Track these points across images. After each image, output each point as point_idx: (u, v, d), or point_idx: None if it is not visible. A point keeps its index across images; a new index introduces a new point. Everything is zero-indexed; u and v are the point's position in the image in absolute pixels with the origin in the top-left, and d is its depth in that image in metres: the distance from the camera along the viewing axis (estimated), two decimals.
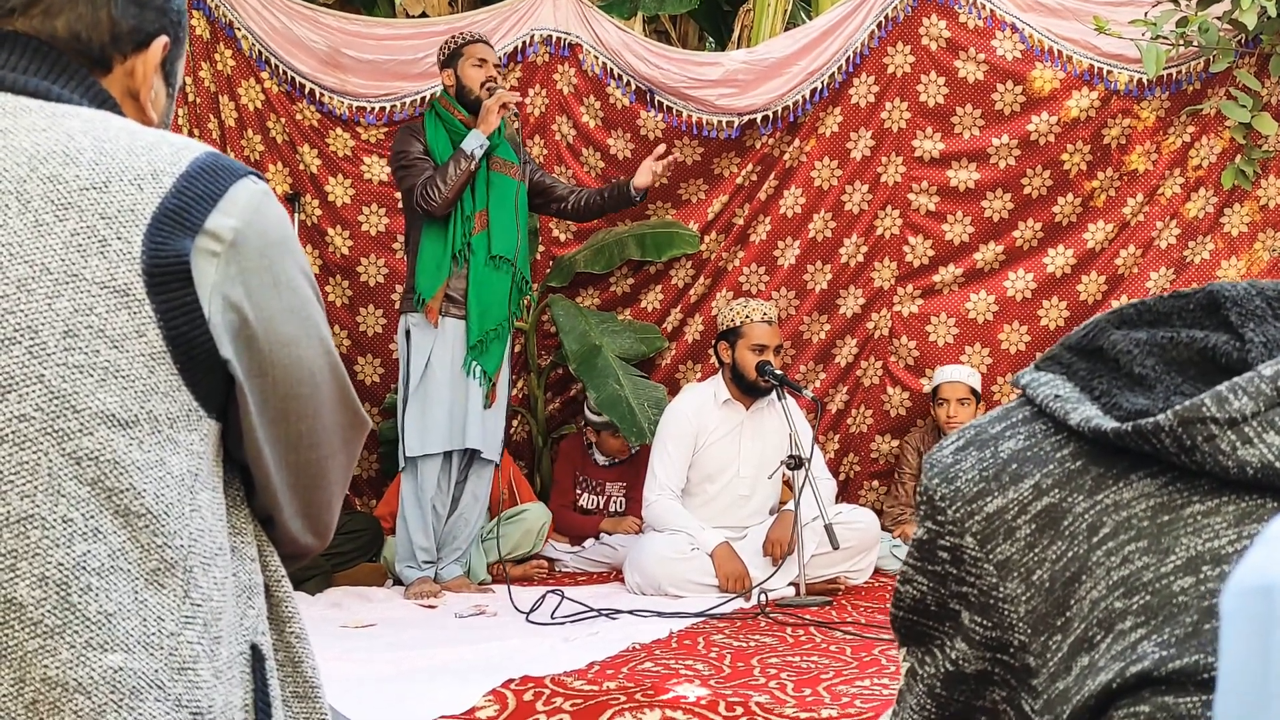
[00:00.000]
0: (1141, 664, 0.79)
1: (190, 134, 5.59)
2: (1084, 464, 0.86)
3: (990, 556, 0.87)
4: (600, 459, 5.68)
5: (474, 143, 4.70)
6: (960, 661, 0.91)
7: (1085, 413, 0.86)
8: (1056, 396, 0.89)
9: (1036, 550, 0.85)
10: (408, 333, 4.80)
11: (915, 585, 0.94)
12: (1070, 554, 0.84)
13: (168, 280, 1.04)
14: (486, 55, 4.95)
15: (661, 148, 5.34)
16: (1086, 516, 0.84)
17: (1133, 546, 0.82)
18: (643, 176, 5.18)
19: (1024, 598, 0.85)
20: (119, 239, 1.03)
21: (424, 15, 6.16)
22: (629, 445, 5.56)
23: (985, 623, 0.88)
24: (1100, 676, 0.80)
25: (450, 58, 4.93)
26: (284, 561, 1.23)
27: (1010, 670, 0.87)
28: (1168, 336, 0.87)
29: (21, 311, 1.00)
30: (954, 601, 0.91)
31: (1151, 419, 0.82)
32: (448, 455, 4.81)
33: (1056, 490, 0.86)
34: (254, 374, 1.11)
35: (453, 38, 5.00)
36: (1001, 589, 0.87)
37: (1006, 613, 0.86)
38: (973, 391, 5.42)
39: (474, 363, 4.78)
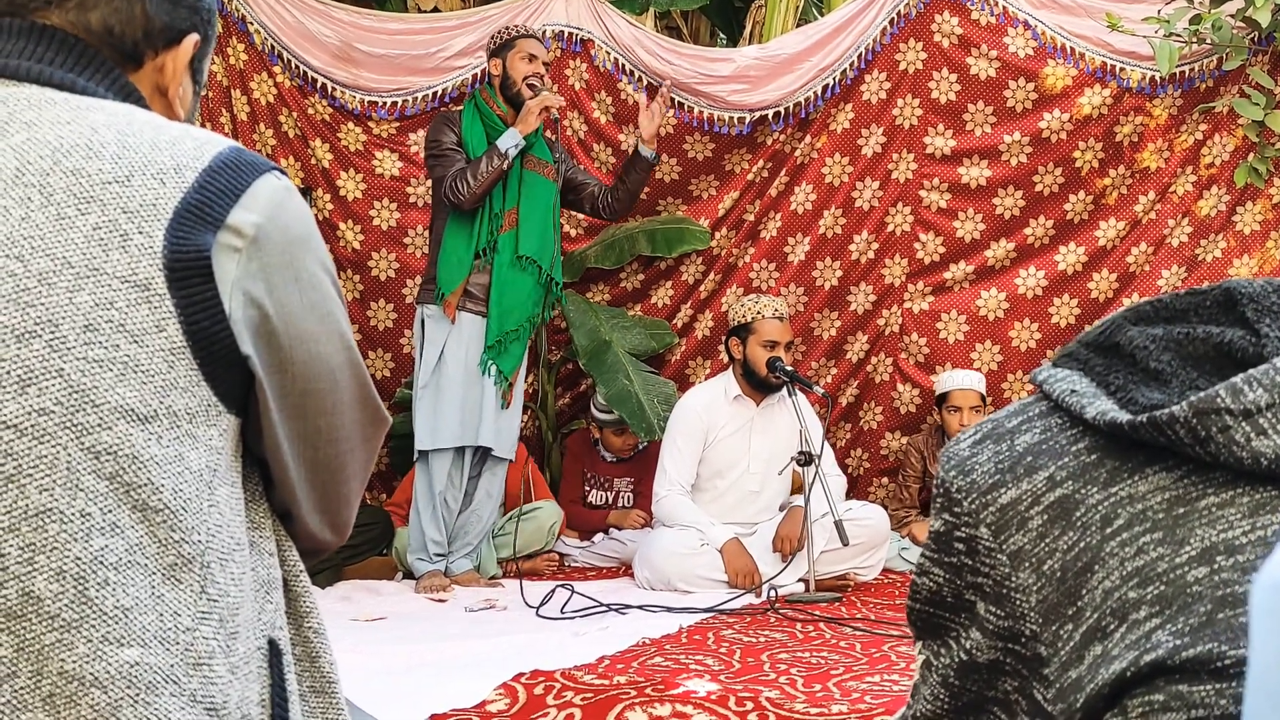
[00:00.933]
0: (1156, 653, 0.79)
1: (202, 128, 5.59)
2: (1099, 457, 0.87)
3: (1003, 547, 0.88)
4: (607, 455, 5.69)
5: (510, 141, 4.66)
6: (974, 651, 0.91)
7: (1101, 406, 0.87)
8: (1073, 391, 0.89)
9: (1048, 540, 0.86)
10: (423, 323, 4.79)
11: (932, 577, 0.94)
12: (1082, 544, 0.85)
13: (189, 275, 1.04)
14: (537, 52, 4.92)
15: (662, 89, 5.26)
16: (1100, 508, 0.85)
17: (1147, 538, 0.83)
18: (646, 126, 5.10)
19: (1035, 587, 0.86)
20: (140, 233, 1.03)
21: (436, 10, 6.16)
22: (637, 443, 5.56)
23: (999, 612, 0.89)
24: (1114, 665, 0.81)
25: (501, 47, 4.89)
26: (301, 557, 1.23)
27: (1022, 660, 0.88)
28: (1184, 332, 0.88)
29: (42, 305, 1.00)
30: (970, 593, 0.91)
31: (1166, 410, 0.83)
32: (460, 450, 4.81)
33: (1070, 482, 0.87)
34: (274, 370, 1.11)
35: (507, 28, 4.98)
36: (1014, 579, 0.87)
37: (1018, 602, 0.87)
38: (982, 397, 5.40)
39: (490, 362, 4.76)
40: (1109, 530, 0.84)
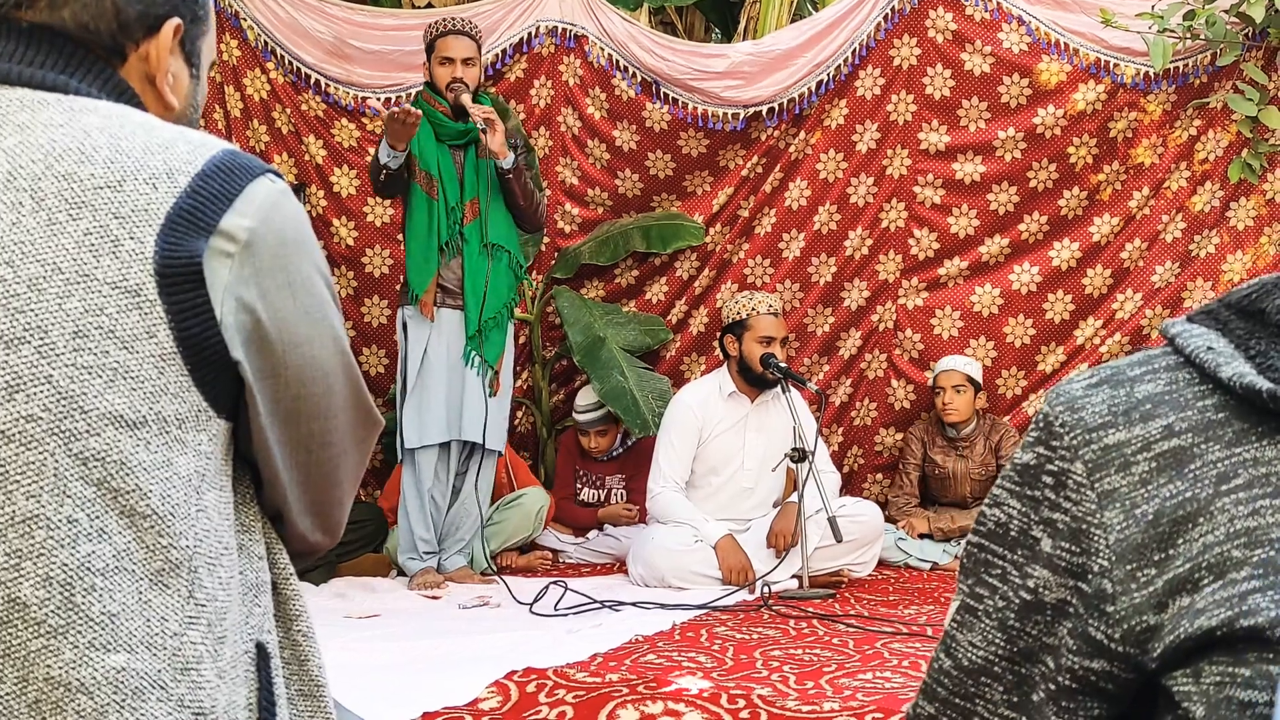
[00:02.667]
0: (1254, 619, 0.77)
1: (196, 129, 5.58)
2: (1227, 416, 0.84)
3: (1095, 485, 0.85)
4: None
5: (384, 156, 4.61)
6: (1040, 589, 0.88)
7: (1239, 368, 0.84)
8: (1209, 348, 0.87)
9: (1150, 487, 0.84)
10: (404, 325, 4.78)
11: (1005, 509, 0.92)
12: (1189, 494, 0.83)
13: (180, 281, 1.03)
14: (454, 52, 4.75)
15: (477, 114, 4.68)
16: (1219, 465, 0.83)
17: (1266, 502, 0.81)
18: (491, 145, 4.66)
19: (1118, 526, 0.84)
20: (132, 239, 1.02)
21: (429, 5, 6.15)
22: (614, 442, 5.56)
23: (1072, 549, 0.86)
24: (1200, 620, 0.79)
25: (425, 51, 4.85)
26: (293, 559, 1.23)
27: (1082, 596, 0.85)
28: None
29: (31, 311, 1.00)
30: (1038, 529, 0.89)
31: None
32: (445, 446, 4.81)
33: (1190, 435, 0.84)
34: (266, 375, 1.10)
35: (430, 26, 4.86)
36: (1098, 516, 0.85)
37: (1096, 538, 0.85)
38: (970, 379, 5.43)
39: (473, 353, 4.77)
40: (1224, 487, 0.82)
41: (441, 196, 4.72)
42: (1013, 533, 0.91)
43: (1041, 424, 0.90)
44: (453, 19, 4.90)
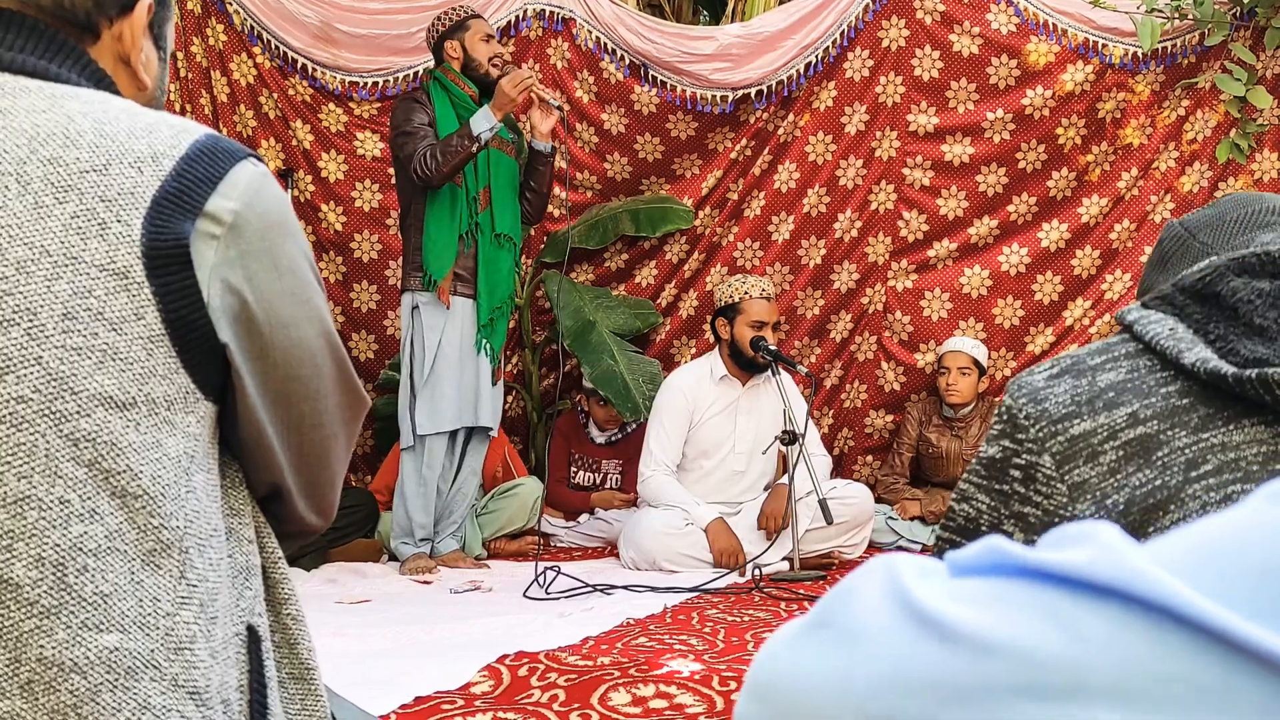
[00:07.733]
0: None
1: (182, 110, 5.57)
2: (1191, 402, 0.84)
3: (1065, 477, 0.85)
4: (597, 437, 5.68)
5: (484, 125, 4.54)
6: None
7: (1201, 354, 0.84)
8: (1171, 333, 0.87)
9: (1119, 476, 0.83)
10: (416, 310, 4.74)
11: (974, 504, 0.91)
12: (1159, 483, 0.82)
13: (167, 263, 1.04)
14: (492, 32, 4.91)
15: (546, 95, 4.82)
16: (1187, 451, 0.82)
17: (1238, 487, 0.80)
18: (540, 124, 4.84)
19: (1090, 518, 0.83)
20: (119, 222, 1.03)
21: None
22: (619, 416, 5.56)
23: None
24: None
25: (455, 28, 4.81)
26: (286, 540, 1.23)
27: None
28: None
29: (20, 294, 1.00)
30: (1009, 523, 0.88)
31: (1277, 369, 0.80)
32: (452, 433, 4.81)
33: (1156, 422, 0.84)
34: (254, 356, 1.11)
35: (455, 8, 4.90)
36: (1070, 509, 0.85)
37: None
38: (975, 362, 5.45)
39: (485, 341, 4.77)
40: (1194, 473, 0.82)
41: (464, 184, 4.72)
42: (983, 528, 0.91)
43: (1005, 417, 0.90)
44: (471, 8, 4.97)
